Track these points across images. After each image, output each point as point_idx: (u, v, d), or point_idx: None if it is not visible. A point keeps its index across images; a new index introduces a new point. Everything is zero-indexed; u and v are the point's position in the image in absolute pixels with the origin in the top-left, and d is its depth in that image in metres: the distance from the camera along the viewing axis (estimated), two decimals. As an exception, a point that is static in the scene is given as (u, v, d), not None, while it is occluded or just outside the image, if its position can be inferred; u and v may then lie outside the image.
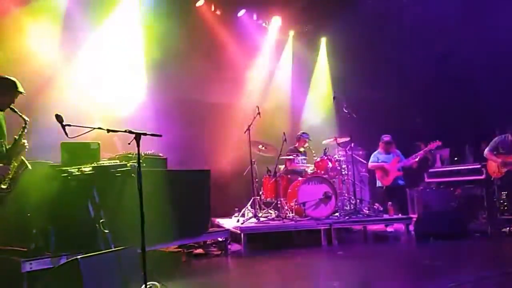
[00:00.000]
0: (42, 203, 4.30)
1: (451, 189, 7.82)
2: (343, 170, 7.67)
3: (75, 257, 3.34)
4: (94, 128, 3.81)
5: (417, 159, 7.66)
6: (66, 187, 4.34)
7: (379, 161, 7.89)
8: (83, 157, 4.37)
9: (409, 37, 9.01)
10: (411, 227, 6.90)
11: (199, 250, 6.31)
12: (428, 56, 9.06)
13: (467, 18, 8.11)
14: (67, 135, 3.75)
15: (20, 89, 4.02)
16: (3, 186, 3.86)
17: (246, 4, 9.45)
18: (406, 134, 8.53)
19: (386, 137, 7.94)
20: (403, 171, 7.80)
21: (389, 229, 7.63)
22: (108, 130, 3.75)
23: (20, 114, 4.01)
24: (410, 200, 8.65)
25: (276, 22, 10.07)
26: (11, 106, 3.97)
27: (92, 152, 4.55)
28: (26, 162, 4.07)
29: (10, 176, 3.91)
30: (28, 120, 4.01)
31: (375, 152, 8.08)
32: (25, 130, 3.95)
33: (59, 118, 3.72)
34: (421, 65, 9.21)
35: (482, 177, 7.59)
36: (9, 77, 4.00)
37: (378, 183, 7.97)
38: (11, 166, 3.93)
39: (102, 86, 7.42)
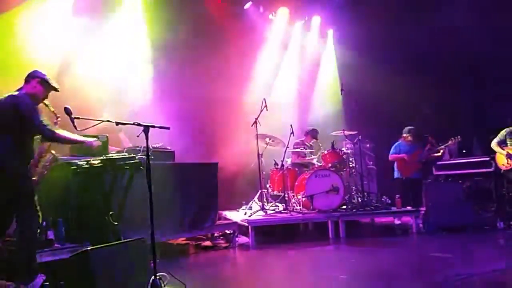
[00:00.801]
0: (51, 196, 4.34)
1: (460, 181, 7.77)
2: (350, 163, 7.65)
3: (85, 249, 3.36)
4: (103, 121, 3.84)
5: (440, 153, 7.69)
6: (75, 179, 4.37)
7: (401, 152, 7.85)
8: (92, 149, 4.38)
9: (418, 29, 8.93)
10: (420, 220, 6.88)
11: (207, 243, 6.34)
12: (438, 47, 8.98)
13: (481, 12, 8.04)
14: (75, 128, 3.78)
15: (54, 84, 4.04)
16: (34, 178, 3.92)
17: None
18: (415, 126, 8.45)
19: (412, 128, 7.89)
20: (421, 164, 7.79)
21: (397, 221, 7.61)
22: (117, 123, 3.78)
23: (52, 109, 4.05)
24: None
25: (283, 13, 10.00)
26: (44, 101, 4.00)
27: (100, 145, 4.56)
28: (57, 156, 4.13)
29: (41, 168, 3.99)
30: (60, 116, 4.04)
31: (396, 143, 8.01)
32: (57, 126, 3.98)
33: (67, 110, 3.75)
34: (429, 56, 9.15)
35: (491, 169, 7.53)
36: (41, 72, 4.02)
37: (397, 174, 7.92)
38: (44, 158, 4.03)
39: (108, 79, 7.46)
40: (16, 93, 3.83)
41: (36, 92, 3.91)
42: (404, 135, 7.93)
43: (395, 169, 7.95)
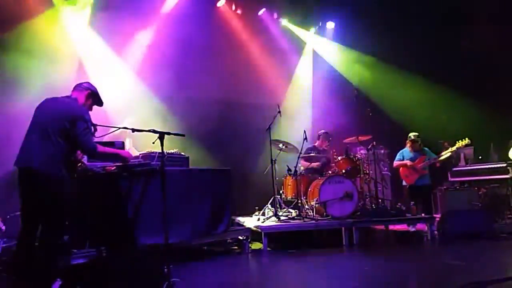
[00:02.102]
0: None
1: (476, 188, 7.67)
2: (364, 169, 7.61)
3: (101, 254, 3.42)
4: (119, 128, 3.91)
5: (441, 159, 7.56)
6: (91, 185, 4.45)
7: (404, 159, 7.78)
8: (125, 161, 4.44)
9: (433, 32, 8.89)
10: (434, 227, 6.81)
11: (220, 248, 6.36)
12: (451, 52, 8.92)
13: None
14: (93, 135, 3.85)
15: (101, 99, 4.13)
16: None
17: (266, 2, 9.47)
18: (431, 132, 8.39)
19: (413, 135, 7.82)
20: (429, 170, 7.68)
21: (411, 228, 7.53)
22: (133, 130, 3.85)
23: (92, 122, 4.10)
24: (433, 199, 8.52)
25: (296, 19, 10.04)
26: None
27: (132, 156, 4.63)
28: (86, 167, 4.21)
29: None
30: (97, 129, 4.11)
31: (401, 150, 7.95)
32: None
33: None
34: (445, 61, 9.08)
35: (508, 176, 7.43)
36: (92, 85, 4.10)
37: (404, 182, 7.87)
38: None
39: (123, 85, 7.61)
40: (70, 100, 3.88)
41: (86, 103, 3.99)
42: (407, 141, 7.88)
43: (401, 176, 7.89)
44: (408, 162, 7.63)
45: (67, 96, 3.91)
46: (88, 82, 4.08)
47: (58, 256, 4.06)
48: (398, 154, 7.93)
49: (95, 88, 4.05)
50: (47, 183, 3.61)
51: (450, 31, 8.79)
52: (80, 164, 4.12)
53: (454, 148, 7.44)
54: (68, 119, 3.70)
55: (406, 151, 7.84)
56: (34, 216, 3.69)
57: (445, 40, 8.98)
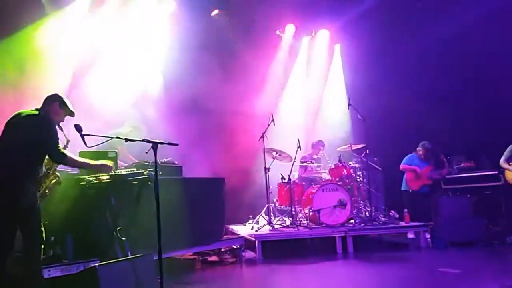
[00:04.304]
0: (60, 211, 4.38)
1: (468, 195, 7.71)
2: (358, 177, 7.63)
3: (92, 265, 3.39)
4: (112, 138, 3.89)
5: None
6: (84, 195, 4.41)
7: (413, 164, 7.86)
8: (102, 171, 4.42)
9: (426, 43, 8.96)
10: (428, 234, 6.83)
11: (214, 258, 6.33)
12: (446, 62, 8.99)
13: (487, 22, 8.07)
14: (86, 145, 3.84)
15: (72, 109, 4.12)
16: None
17: (260, 11, 9.51)
18: (423, 140, 8.43)
19: (428, 144, 7.92)
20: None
21: (409, 235, 7.56)
22: (126, 140, 3.85)
23: (65, 134, 4.12)
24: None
25: (290, 29, 10.10)
26: (59, 124, 4.06)
27: (109, 161, 4.61)
28: (60, 180, 4.19)
29: (44, 189, 4.03)
30: (70, 140, 4.13)
31: (410, 155, 8.06)
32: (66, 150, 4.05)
33: (78, 127, 3.81)
34: (438, 71, 9.15)
35: (500, 183, 7.48)
36: (61, 96, 4.11)
37: (404, 187, 7.92)
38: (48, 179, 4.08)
39: (117, 95, 7.59)
40: (37, 112, 3.90)
41: (56, 114, 3.99)
42: (418, 148, 7.97)
43: (404, 180, 7.94)
44: (418, 169, 7.72)
45: (36, 109, 3.93)
46: (56, 93, 4.08)
47: (49, 267, 4.05)
48: (406, 157, 8.06)
49: (65, 99, 4.07)
50: (14, 196, 3.64)
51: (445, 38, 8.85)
52: (51, 176, 4.10)
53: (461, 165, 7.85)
54: (36, 133, 3.75)
55: (415, 157, 7.98)
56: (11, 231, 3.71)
57: (438, 49, 9.05)
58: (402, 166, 8.02)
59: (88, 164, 4.13)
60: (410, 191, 7.79)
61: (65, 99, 4.08)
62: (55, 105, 4.00)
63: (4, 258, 3.70)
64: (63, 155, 3.85)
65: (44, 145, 3.80)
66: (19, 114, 3.91)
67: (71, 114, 4.12)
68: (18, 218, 3.71)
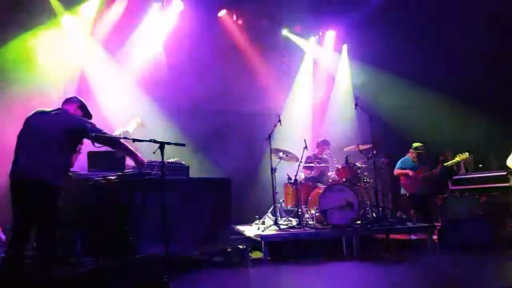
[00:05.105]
0: (68, 210, 4.43)
1: (476, 196, 7.67)
2: (365, 178, 7.60)
3: (99, 264, 3.42)
4: (121, 138, 3.93)
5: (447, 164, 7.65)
6: (92, 195, 4.45)
7: (406, 167, 7.81)
8: (109, 165, 4.47)
9: (433, 42, 8.93)
10: (435, 236, 6.79)
11: (220, 258, 6.33)
12: (454, 60, 8.95)
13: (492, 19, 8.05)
14: (94, 146, 3.87)
15: (90, 112, 4.21)
16: None
17: (266, 12, 9.52)
18: (430, 140, 8.40)
19: (421, 147, 7.85)
20: (428, 180, 7.72)
21: (413, 236, 7.52)
22: (134, 140, 3.88)
23: None
24: (434, 208, 8.54)
25: (297, 29, 10.10)
26: None
27: (117, 161, 4.65)
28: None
29: None
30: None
31: (403, 158, 8.00)
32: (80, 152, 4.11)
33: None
34: (445, 70, 9.11)
35: (508, 184, 7.43)
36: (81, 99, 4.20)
37: (403, 190, 7.88)
38: None
39: (124, 96, 7.66)
40: (60, 111, 3.95)
41: (76, 115, 4.05)
42: (410, 150, 7.91)
43: (401, 184, 7.91)
44: (410, 172, 7.66)
45: (58, 109, 3.96)
46: (76, 96, 4.16)
47: (56, 265, 4.09)
48: (399, 162, 7.96)
49: (84, 102, 4.14)
50: (49, 193, 3.63)
51: (454, 39, 8.82)
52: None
53: (455, 160, 7.52)
54: (69, 129, 3.75)
55: (408, 159, 7.88)
56: (28, 226, 3.72)
57: (448, 49, 9.01)
58: (395, 171, 7.98)
59: (126, 146, 4.11)
60: (408, 194, 7.74)
61: (84, 102, 4.15)
62: (75, 107, 4.05)
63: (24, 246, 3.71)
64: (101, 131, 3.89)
65: (82, 135, 3.85)
66: (43, 112, 3.93)
67: (90, 116, 4.16)
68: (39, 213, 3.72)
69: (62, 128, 3.78)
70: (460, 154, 7.49)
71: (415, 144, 7.87)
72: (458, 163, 7.76)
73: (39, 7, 7.02)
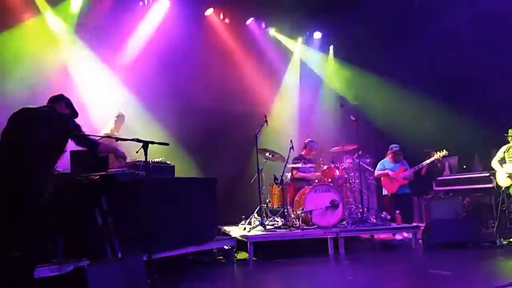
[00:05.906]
0: (50, 210, 4.34)
1: (460, 197, 7.76)
2: (350, 178, 7.65)
3: (81, 265, 3.37)
4: (103, 137, 3.87)
5: (421, 168, 7.75)
6: (74, 194, 4.38)
7: (385, 168, 7.91)
8: (92, 165, 4.40)
9: (421, 43, 9.01)
10: (419, 236, 6.86)
11: (205, 258, 6.30)
12: (438, 62, 9.05)
13: (478, 23, 8.14)
14: (76, 145, 3.81)
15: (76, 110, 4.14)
16: None
17: (254, 12, 9.51)
18: (415, 141, 8.48)
19: (395, 147, 7.96)
20: (409, 179, 7.82)
21: (397, 237, 7.58)
22: (117, 139, 3.84)
23: None
24: (418, 208, 8.63)
25: (284, 29, 10.10)
26: None
27: (101, 160, 4.58)
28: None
29: None
30: None
31: (382, 160, 8.11)
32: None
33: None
34: (429, 71, 9.21)
35: (491, 185, 7.52)
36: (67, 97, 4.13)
37: (384, 191, 7.99)
38: None
39: (108, 93, 7.58)
40: (48, 109, 3.87)
41: (65, 114, 3.98)
42: (388, 152, 8.03)
43: (382, 185, 8.00)
44: (390, 172, 7.77)
45: (45, 106, 3.89)
46: (62, 94, 4.07)
47: (38, 267, 4.01)
48: (379, 164, 8.15)
49: (69, 100, 4.07)
50: (31, 192, 3.56)
51: (436, 42, 8.91)
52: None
53: (433, 158, 7.64)
54: (57, 126, 3.69)
55: (387, 161, 8.06)
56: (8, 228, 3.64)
57: (430, 52, 9.11)
58: (375, 174, 8.12)
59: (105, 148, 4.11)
60: (389, 194, 7.84)
61: (69, 100, 4.08)
62: (61, 106, 3.97)
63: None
64: (97, 143, 3.90)
65: (67, 136, 3.80)
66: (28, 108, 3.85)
67: (77, 115, 4.10)
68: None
69: (51, 126, 3.71)
70: (438, 152, 7.60)
71: (392, 146, 8.03)
72: (440, 161, 7.88)
73: (22, 4, 6.90)
